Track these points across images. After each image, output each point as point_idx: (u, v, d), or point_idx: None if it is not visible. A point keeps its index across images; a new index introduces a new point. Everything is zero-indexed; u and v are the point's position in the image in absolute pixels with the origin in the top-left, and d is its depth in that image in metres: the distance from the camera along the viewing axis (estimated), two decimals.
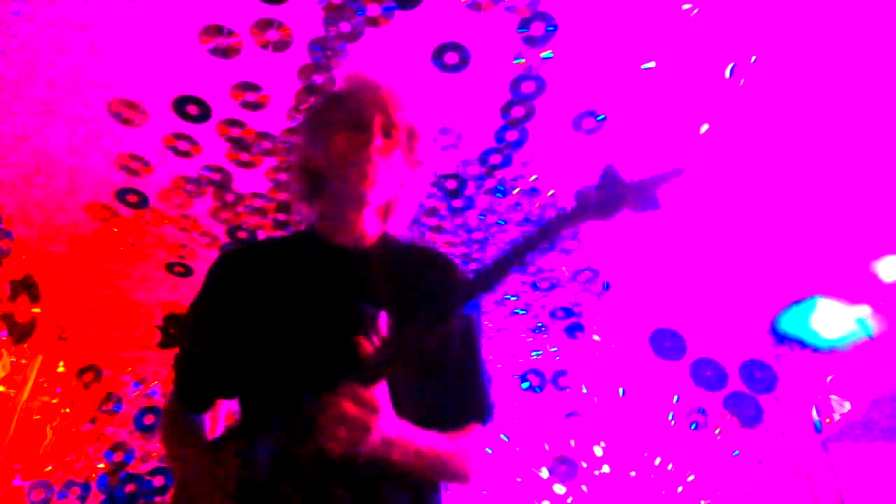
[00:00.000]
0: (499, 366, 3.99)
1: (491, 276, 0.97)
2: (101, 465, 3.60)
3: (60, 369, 3.82)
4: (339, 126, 1.23)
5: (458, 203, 3.20)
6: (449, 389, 1.15)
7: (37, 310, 3.76)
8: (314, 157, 1.26)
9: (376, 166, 1.18)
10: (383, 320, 0.98)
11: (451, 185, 3.11)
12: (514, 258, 0.97)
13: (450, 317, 0.95)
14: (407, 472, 1.02)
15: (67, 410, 3.71)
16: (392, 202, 1.27)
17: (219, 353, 1.16)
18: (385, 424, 0.94)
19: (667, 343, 3.91)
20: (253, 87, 2.62)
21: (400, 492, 1.05)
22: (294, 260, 1.21)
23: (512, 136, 2.85)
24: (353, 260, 1.20)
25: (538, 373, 3.96)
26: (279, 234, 3.39)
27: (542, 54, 2.51)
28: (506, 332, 4.08)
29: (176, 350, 1.26)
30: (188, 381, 1.22)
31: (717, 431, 3.72)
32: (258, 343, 1.11)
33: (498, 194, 3.17)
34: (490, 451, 3.73)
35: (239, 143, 2.87)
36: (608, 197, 0.97)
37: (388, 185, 1.22)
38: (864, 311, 3.42)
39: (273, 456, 0.97)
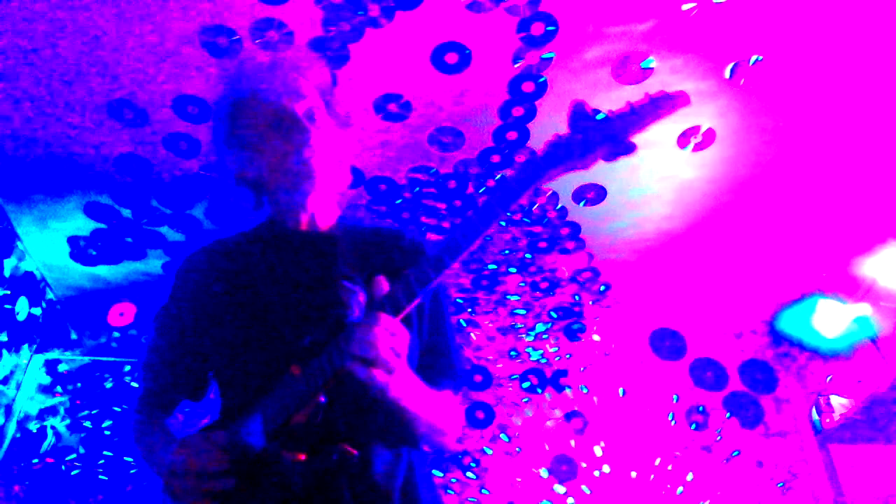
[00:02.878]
0: (499, 366, 3.99)
1: (467, 233, 0.93)
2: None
3: (62, 368, 3.82)
4: (262, 130, 1.17)
5: (458, 203, 3.20)
6: (424, 354, 1.14)
7: (37, 310, 3.76)
8: (248, 168, 1.20)
9: (318, 158, 1.15)
10: (361, 294, 0.97)
11: (452, 185, 3.11)
12: (489, 213, 0.94)
13: (425, 282, 0.93)
14: (403, 423, 1.00)
15: (68, 411, 3.71)
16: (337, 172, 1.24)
17: (189, 352, 1.16)
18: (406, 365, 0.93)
19: (667, 343, 3.92)
20: None
21: (392, 455, 1.05)
22: (260, 249, 1.20)
23: (512, 136, 2.85)
24: (318, 242, 1.19)
25: (538, 373, 3.96)
26: None
27: (543, 55, 2.51)
28: (506, 332, 4.08)
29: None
30: (157, 383, 1.21)
31: (717, 432, 3.72)
32: (237, 328, 1.10)
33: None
34: (490, 451, 3.73)
35: None
36: (580, 139, 0.94)
37: (331, 165, 1.19)
38: (864, 310, 3.42)
39: (268, 427, 0.96)
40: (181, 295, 1.21)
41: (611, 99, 2.72)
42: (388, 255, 1.18)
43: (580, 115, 0.95)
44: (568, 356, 4.00)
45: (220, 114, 1.25)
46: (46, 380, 3.77)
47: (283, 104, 1.16)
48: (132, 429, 1.23)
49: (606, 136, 0.93)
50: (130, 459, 3.61)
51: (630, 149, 0.93)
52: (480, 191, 3.12)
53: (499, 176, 3.03)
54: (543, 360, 3.95)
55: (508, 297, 3.87)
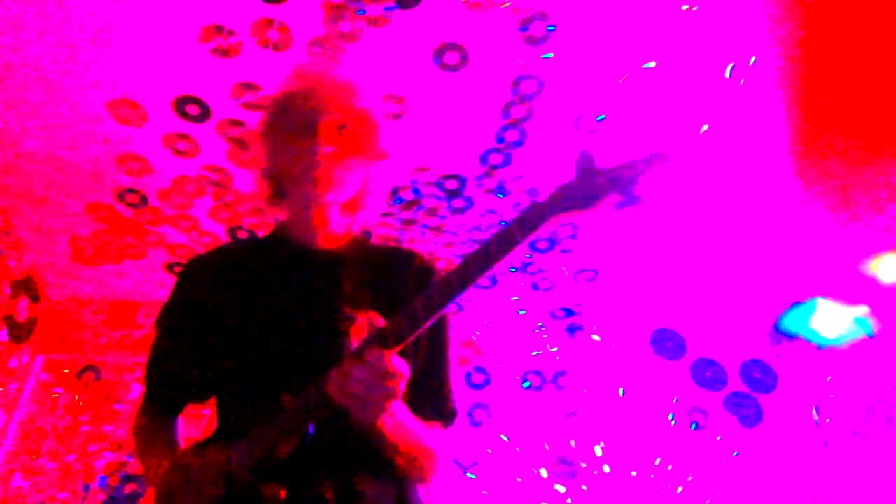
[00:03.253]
0: (499, 366, 3.99)
1: (465, 275, 0.90)
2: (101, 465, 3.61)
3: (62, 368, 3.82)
4: (288, 132, 1.18)
5: (458, 203, 3.21)
6: (415, 387, 1.09)
7: (37, 310, 3.76)
8: (272, 163, 1.23)
9: (326, 171, 1.14)
10: (363, 322, 0.96)
11: (452, 185, 3.11)
12: (486, 257, 0.90)
13: (426, 317, 0.91)
14: (386, 457, 1.00)
15: (68, 411, 3.71)
16: (357, 198, 1.24)
17: (191, 356, 1.15)
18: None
19: (667, 343, 3.92)
20: (253, 87, 2.62)
21: (383, 486, 1.04)
22: (265, 263, 1.20)
23: (512, 136, 2.85)
24: (324, 263, 1.18)
25: (538, 373, 3.96)
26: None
27: (543, 55, 2.51)
28: (506, 332, 4.08)
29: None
30: (160, 385, 1.21)
31: (718, 438, 3.72)
32: (234, 346, 1.10)
33: (498, 194, 3.17)
34: (490, 451, 3.73)
35: (239, 143, 2.87)
36: (584, 187, 0.91)
37: (345, 186, 1.19)
38: (864, 310, 3.42)
39: (254, 457, 0.95)
40: (185, 298, 1.20)
41: (610, 101, 2.72)
42: (398, 279, 1.18)
43: (587, 165, 0.91)
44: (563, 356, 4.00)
45: (267, 108, 1.27)
46: (46, 379, 3.77)
47: (310, 110, 1.16)
48: (133, 426, 1.23)
49: (613, 186, 0.89)
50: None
51: (637, 201, 0.90)
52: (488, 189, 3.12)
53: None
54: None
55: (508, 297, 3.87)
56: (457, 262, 1.26)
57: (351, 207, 1.24)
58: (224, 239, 3.42)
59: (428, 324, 0.91)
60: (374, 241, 1.34)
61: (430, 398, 1.14)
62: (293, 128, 1.17)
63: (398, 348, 0.89)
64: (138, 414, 1.24)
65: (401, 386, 0.89)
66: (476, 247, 0.92)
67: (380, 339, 0.89)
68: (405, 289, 1.15)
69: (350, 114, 1.19)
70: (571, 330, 4.03)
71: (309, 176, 1.14)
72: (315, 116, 1.16)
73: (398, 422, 0.96)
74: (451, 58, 2.52)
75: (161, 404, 1.21)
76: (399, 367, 0.88)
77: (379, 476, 1.03)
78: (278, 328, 1.10)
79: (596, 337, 4.02)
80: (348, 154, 1.18)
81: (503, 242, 0.90)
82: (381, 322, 0.92)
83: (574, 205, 0.91)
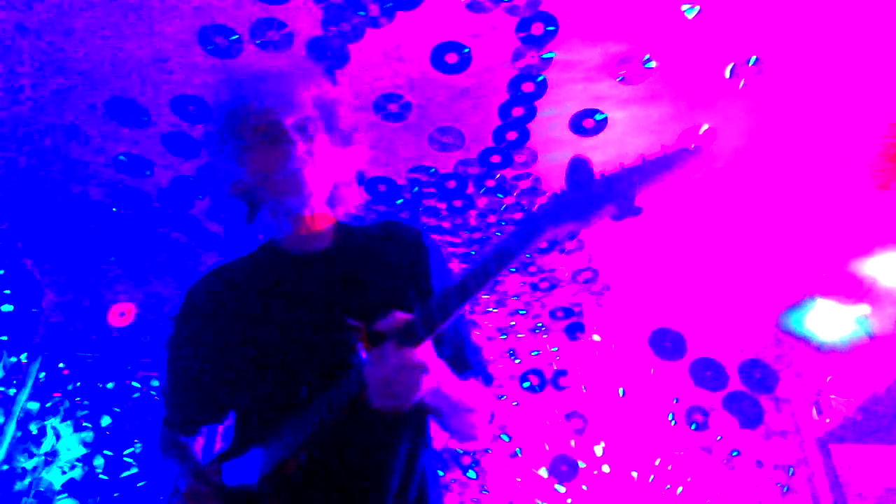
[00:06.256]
0: (499, 366, 3.99)
1: (462, 289, 0.88)
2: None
3: (60, 366, 3.82)
4: (251, 142, 1.11)
5: (458, 203, 3.21)
6: (445, 356, 1.07)
7: (37, 310, 3.76)
8: (239, 179, 1.14)
9: (306, 171, 1.09)
10: (363, 331, 0.95)
11: (451, 185, 3.11)
12: (485, 271, 0.88)
13: (448, 312, 0.89)
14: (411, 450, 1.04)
15: (68, 411, 3.71)
16: (336, 190, 1.19)
17: (206, 379, 1.15)
18: (432, 377, 0.90)
19: (667, 343, 3.91)
20: None
21: (387, 493, 1.04)
22: (260, 277, 1.17)
23: (512, 136, 2.85)
24: (316, 266, 1.15)
25: (538, 373, 3.95)
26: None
27: (543, 54, 2.51)
28: (506, 332, 4.08)
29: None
30: (175, 407, 1.22)
31: (718, 438, 3.72)
32: (243, 361, 1.09)
33: (498, 194, 3.17)
34: (489, 451, 3.73)
35: None
36: (578, 199, 0.86)
37: (324, 180, 1.13)
38: (864, 310, 3.42)
39: (265, 467, 0.97)
40: (191, 321, 1.19)
41: (611, 100, 2.72)
42: (390, 251, 1.16)
43: (581, 172, 0.86)
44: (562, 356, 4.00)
45: (214, 122, 1.20)
46: (46, 379, 3.77)
47: (271, 114, 1.10)
48: (159, 444, 1.24)
49: (611, 195, 0.83)
50: (131, 460, 3.62)
51: (637, 212, 0.84)
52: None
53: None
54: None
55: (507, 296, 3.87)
56: (419, 228, 1.26)
57: (329, 199, 1.19)
58: (224, 239, 3.43)
59: (443, 325, 0.90)
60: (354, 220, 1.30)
61: (464, 361, 1.13)
62: (259, 134, 1.10)
63: (421, 343, 0.88)
64: (161, 434, 1.24)
65: (424, 377, 0.88)
66: (483, 250, 0.92)
67: (402, 336, 0.88)
68: (400, 258, 1.14)
69: (309, 106, 1.13)
70: (571, 330, 4.03)
71: (291, 182, 1.08)
72: (278, 117, 1.10)
73: (442, 393, 0.96)
74: (451, 58, 2.52)
75: (180, 425, 1.22)
76: (423, 361, 0.88)
77: (383, 483, 1.03)
78: (280, 342, 1.08)
79: (596, 337, 4.02)
80: (322, 149, 1.12)
81: (502, 254, 0.88)
82: (400, 320, 0.90)
83: (569, 217, 0.86)
